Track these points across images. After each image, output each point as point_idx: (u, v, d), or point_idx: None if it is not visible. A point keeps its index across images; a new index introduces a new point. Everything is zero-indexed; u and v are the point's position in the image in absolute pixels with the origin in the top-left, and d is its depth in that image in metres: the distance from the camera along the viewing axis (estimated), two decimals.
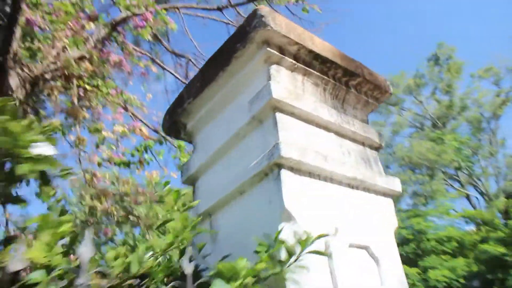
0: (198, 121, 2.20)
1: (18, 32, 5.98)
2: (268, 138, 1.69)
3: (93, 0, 6.43)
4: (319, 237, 1.29)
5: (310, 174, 1.68)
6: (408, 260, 16.40)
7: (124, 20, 6.60)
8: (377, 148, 2.17)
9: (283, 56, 1.87)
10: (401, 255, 1.87)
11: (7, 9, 4.76)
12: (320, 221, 1.60)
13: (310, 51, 1.93)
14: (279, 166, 1.59)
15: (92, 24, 6.03)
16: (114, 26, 6.55)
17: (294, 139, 1.70)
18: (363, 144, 2.10)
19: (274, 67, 1.84)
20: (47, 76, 6.26)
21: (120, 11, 6.35)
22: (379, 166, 2.09)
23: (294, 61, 1.90)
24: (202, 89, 2.09)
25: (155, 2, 5.98)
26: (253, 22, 1.81)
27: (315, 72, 1.99)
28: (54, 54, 6.18)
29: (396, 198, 2.09)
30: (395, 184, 2.03)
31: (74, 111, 5.43)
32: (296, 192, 1.56)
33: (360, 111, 2.22)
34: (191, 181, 2.16)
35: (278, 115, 1.72)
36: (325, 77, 2.03)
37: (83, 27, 5.84)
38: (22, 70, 6.17)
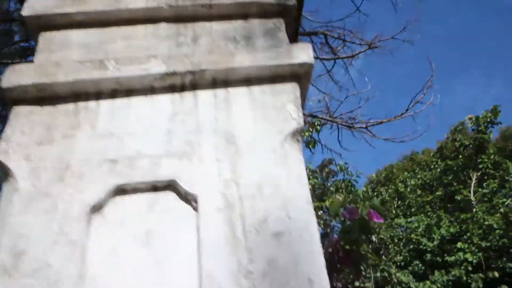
0: None
1: None
2: None
3: None
4: None
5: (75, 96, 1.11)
6: None
7: None
8: (280, 13, 1.31)
9: None
10: None
11: None
12: (81, 160, 1.02)
13: None
14: (13, 102, 1.11)
15: None
16: None
17: (60, 58, 1.17)
18: (244, 16, 1.31)
19: None
20: None
21: None
22: (276, 39, 1.25)
23: None
24: None
25: None
26: None
27: None
28: None
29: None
30: (293, 56, 1.16)
31: None
32: (25, 138, 1.05)
33: None
34: None
35: (44, 36, 1.23)
36: None
37: None
38: None
